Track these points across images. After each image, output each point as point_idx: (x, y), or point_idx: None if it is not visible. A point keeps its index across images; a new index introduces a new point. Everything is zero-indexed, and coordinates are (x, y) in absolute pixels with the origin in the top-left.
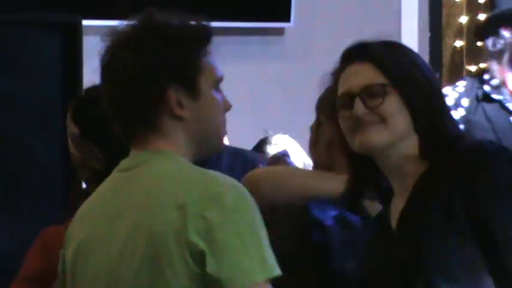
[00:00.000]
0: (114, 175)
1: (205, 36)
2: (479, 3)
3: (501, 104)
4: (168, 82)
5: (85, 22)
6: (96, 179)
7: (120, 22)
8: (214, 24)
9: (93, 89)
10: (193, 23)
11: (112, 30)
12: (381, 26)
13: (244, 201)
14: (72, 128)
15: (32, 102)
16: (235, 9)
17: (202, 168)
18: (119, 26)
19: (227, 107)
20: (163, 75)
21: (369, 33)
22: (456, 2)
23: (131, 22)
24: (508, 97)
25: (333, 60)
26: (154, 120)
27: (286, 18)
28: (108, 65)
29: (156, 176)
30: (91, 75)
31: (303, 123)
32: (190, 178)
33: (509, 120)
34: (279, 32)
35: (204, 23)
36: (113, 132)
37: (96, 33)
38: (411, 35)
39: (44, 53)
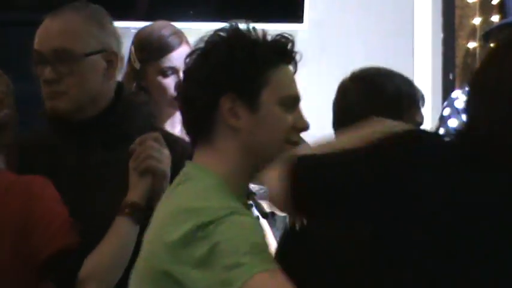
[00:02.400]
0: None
1: (280, 51)
2: (492, 5)
3: None
4: (225, 91)
5: None
6: None
7: (129, 23)
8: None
9: None
10: (275, 37)
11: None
12: (394, 27)
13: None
14: None
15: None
16: (247, 11)
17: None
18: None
19: (299, 126)
20: (221, 84)
21: (382, 35)
22: (469, 3)
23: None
24: None
25: (346, 61)
26: (207, 127)
27: (299, 20)
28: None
29: (174, 205)
30: None
31: (316, 125)
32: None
33: None
34: (292, 34)
35: (287, 38)
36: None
37: None
38: (424, 36)
39: None
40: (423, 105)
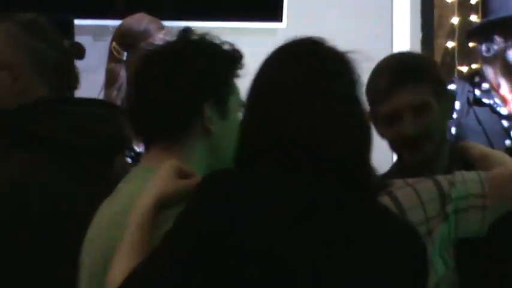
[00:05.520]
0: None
1: (238, 59)
2: (471, 5)
3: (492, 108)
4: (206, 97)
5: (77, 22)
6: None
7: (112, 22)
8: (206, 24)
9: None
10: (226, 45)
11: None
12: (373, 26)
13: None
14: None
15: None
16: (227, 9)
17: None
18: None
19: None
20: (202, 90)
21: (361, 34)
22: (448, 3)
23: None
24: (498, 101)
25: None
26: (182, 131)
27: (278, 18)
28: (145, 74)
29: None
30: (82, 74)
31: None
32: None
33: (501, 124)
34: (271, 32)
35: (236, 47)
36: None
37: (88, 33)
38: (403, 35)
39: None
40: None
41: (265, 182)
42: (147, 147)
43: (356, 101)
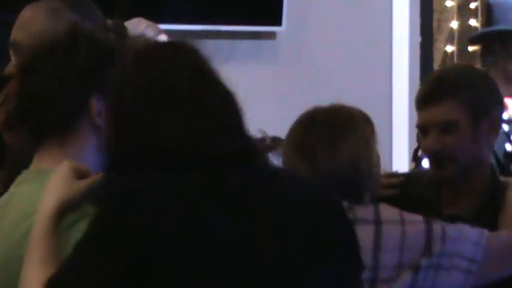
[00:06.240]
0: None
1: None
2: (470, 9)
3: None
4: (92, 90)
5: None
6: None
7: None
8: (206, 27)
9: None
10: (117, 40)
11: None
12: (372, 30)
13: None
14: None
15: None
16: (226, 13)
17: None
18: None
19: None
20: (88, 83)
21: (360, 37)
22: (447, 7)
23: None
24: None
25: (324, 63)
26: (70, 127)
27: (277, 22)
28: (32, 66)
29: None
30: None
31: None
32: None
33: (501, 128)
34: (271, 35)
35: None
36: None
37: None
38: (402, 39)
39: None
40: None
41: (165, 184)
42: (36, 147)
43: (208, 85)
